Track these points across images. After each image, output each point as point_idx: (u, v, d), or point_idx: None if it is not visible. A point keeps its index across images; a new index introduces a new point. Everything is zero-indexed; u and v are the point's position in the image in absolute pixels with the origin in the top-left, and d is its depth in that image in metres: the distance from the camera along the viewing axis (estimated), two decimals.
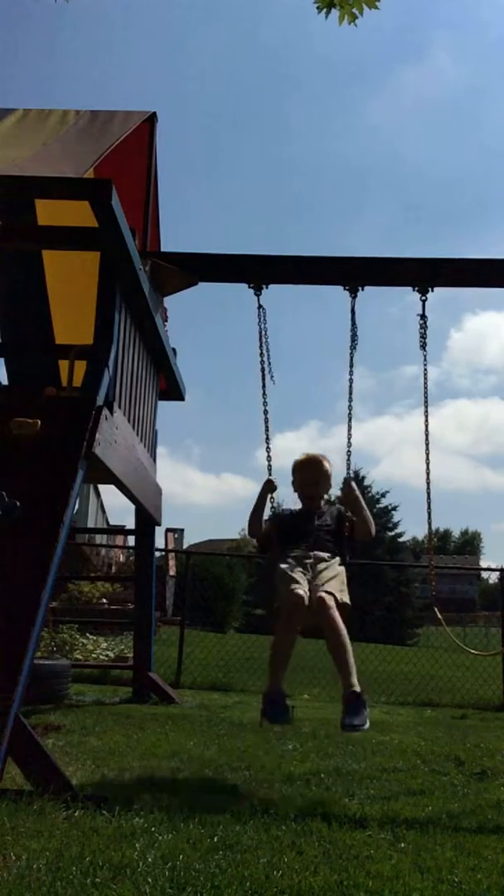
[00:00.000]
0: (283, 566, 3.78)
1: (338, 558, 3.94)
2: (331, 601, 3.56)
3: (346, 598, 3.70)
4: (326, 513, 4.17)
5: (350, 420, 4.40)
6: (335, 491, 5.38)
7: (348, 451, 4.36)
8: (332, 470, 4.26)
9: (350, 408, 4.45)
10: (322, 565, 3.82)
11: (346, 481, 4.24)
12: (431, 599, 5.29)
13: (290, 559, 3.84)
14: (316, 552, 3.89)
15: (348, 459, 4.37)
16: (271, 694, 3.53)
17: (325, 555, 3.90)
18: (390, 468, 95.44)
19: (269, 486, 4.22)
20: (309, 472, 4.21)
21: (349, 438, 4.36)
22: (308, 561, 3.84)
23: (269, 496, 4.23)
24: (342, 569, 3.89)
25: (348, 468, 4.36)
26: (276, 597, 3.73)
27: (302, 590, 3.58)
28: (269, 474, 4.28)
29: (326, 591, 3.59)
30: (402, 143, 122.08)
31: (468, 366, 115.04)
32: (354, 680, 3.47)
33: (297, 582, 3.63)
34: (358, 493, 4.17)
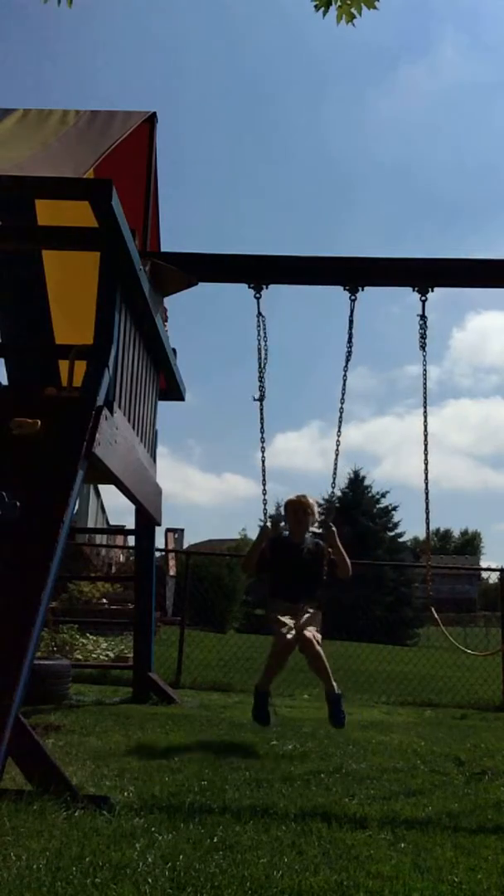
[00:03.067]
0: (277, 615, 4.73)
1: (316, 603, 4.83)
2: (311, 639, 4.58)
3: (319, 635, 4.67)
4: (308, 544, 4.97)
5: (337, 450, 4.92)
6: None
7: (333, 482, 4.93)
8: (315, 508, 5.09)
9: (338, 442, 4.94)
10: (305, 615, 4.70)
11: (330, 532, 4.91)
12: (428, 599, 5.31)
13: (281, 609, 4.76)
14: (300, 605, 4.75)
15: (333, 484, 4.98)
16: (259, 694, 4.76)
17: (308, 606, 4.77)
18: (391, 468, 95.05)
19: (265, 534, 4.94)
20: (296, 514, 5.02)
21: (335, 471, 4.90)
22: (294, 610, 4.75)
23: (264, 541, 4.91)
24: (319, 613, 4.82)
25: (330, 506, 5.11)
26: (272, 630, 4.77)
27: (290, 634, 4.59)
28: (266, 520, 4.97)
29: (309, 633, 4.60)
30: (406, 142, 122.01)
31: (470, 365, 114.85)
32: (334, 684, 4.60)
33: (286, 625, 4.63)
34: (337, 540, 4.88)
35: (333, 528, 4.92)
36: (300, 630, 4.62)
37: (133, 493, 5.31)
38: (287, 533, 5.15)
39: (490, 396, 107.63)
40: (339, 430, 4.95)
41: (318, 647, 4.58)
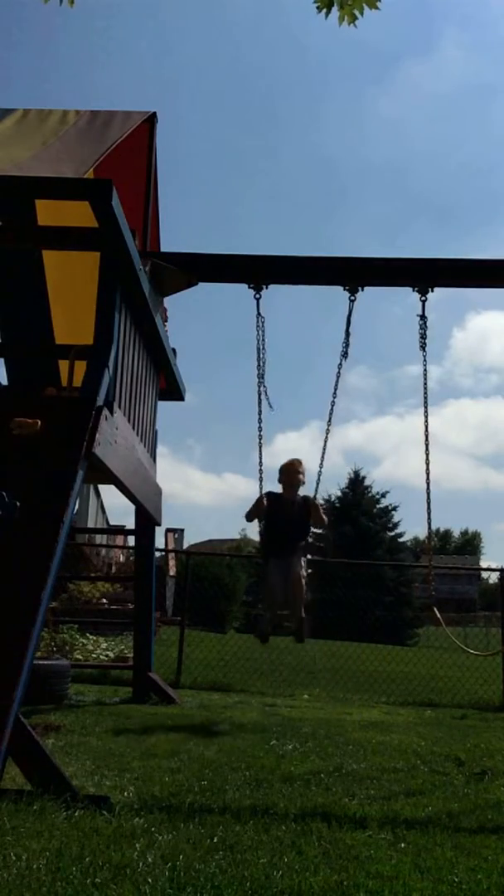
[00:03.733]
0: (270, 569, 5.54)
1: (301, 551, 5.65)
2: (297, 571, 5.42)
3: (303, 570, 5.52)
4: (297, 500, 5.73)
5: (325, 446, 5.42)
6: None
7: (319, 472, 5.58)
8: (305, 471, 5.79)
9: (328, 430, 5.45)
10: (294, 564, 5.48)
11: (310, 502, 5.72)
12: (430, 599, 5.32)
13: (273, 563, 5.53)
14: (289, 557, 5.49)
15: (318, 482, 5.67)
16: (257, 618, 6.10)
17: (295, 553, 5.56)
18: (392, 468, 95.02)
19: (260, 503, 5.55)
20: (289, 475, 5.76)
21: (321, 463, 5.51)
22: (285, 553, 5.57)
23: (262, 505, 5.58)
24: (303, 555, 5.68)
25: (317, 488, 5.78)
26: (264, 580, 5.70)
27: (278, 592, 5.50)
28: (261, 491, 5.60)
29: (296, 573, 5.44)
30: (405, 141, 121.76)
31: (470, 365, 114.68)
32: (302, 609, 5.45)
33: (276, 583, 5.48)
34: (319, 507, 5.83)
35: (313, 500, 5.75)
36: (288, 570, 5.45)
37: (133, 493, 5.31)
38: (281, 491, 5.83)
39: (490, 396, 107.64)
40: (329, 421, 5.40)
41: (300, 573, 5.45)
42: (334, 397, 5.32)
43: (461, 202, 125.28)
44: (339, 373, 5.25)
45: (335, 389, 5.29)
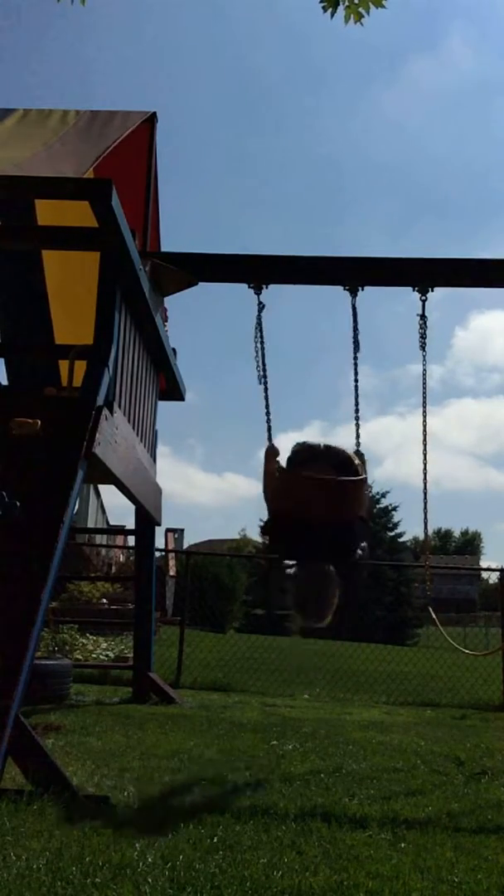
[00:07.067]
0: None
1: None
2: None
3: None
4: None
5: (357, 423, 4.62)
6: None
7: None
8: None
9: (357, 412, 4.65)
10: None
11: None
12: (427, 600, 5.30)
13: None
14: None
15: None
16: None
17: None
18: (393, 467, 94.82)
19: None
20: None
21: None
22: None
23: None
24: None
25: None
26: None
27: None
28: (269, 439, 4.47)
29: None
30: (407, 140, 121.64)
31: (472, 365, 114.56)
32: None
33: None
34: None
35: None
36: None
37: (133, 493, 5.31)
38: None
39: (493, 396, 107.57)
40: (357, 433, 4.72)
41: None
42: (357, 411, 4.72)
43: (465, 201, 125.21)
44: (356, 379, 4.76)
45: (356, 401, 4.72)
